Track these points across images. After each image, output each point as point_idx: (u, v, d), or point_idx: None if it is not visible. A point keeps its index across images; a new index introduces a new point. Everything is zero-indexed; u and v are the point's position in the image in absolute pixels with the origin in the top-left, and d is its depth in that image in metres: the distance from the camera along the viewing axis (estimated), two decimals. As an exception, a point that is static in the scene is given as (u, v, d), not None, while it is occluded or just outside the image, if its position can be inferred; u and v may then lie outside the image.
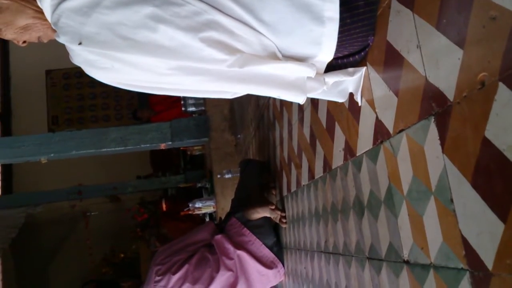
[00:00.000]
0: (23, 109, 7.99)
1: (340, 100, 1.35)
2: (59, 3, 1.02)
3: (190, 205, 4.52)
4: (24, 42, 1.18)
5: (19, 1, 1.10)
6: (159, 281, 2.23)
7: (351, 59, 1.21)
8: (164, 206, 6.43)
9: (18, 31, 1.14)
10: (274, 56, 1.09)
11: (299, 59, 1.11)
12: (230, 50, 1.05)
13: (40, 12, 1.10)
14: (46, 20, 1.10)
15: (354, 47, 1.16)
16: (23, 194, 7.01)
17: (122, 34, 0.99)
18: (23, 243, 7.73)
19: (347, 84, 1.27)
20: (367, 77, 1.22)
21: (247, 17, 1.04)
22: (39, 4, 1.08)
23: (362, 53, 1.20)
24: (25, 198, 6.80)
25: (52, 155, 4.30)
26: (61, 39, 1.06)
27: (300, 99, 1.15)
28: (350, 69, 1.22)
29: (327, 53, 1.11)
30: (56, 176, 7.48)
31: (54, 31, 1.10)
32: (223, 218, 2.75)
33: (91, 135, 4.34)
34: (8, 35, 1.14)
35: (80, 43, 1.02)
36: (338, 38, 1.09)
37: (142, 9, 0.98)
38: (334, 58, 1.15)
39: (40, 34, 1.16)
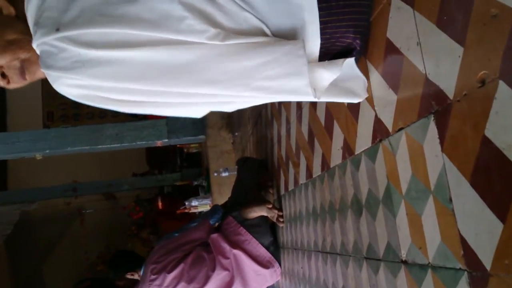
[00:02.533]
0: (18, 105, 7.95)
1: (349, 100, 1.27)
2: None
3: (186, 203, 4.51)
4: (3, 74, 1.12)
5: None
6: (154, 279, 2.22)
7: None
8: (160, 204, 6.43)
9: (3, 44, 1.09)
10: (262, 34, 1.07)
11: (288, 37, 1.09)
12: (212, 22, 1.01)
13: (29, 31, 1.07)
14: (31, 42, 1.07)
15: (343, 39, 1.13)
16: (18, 190, 6.99)
17: (103, 11, 0.98)
18: (17, 240, 7.70)
19: (350, 83, 1.24)
20: (366, 75, 1.21)
21: None
22: (26, 12, 1.06)
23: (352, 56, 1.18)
24: (20, 194, 6.78)
25: (47, 151, 4.28)
26: (37, 36, 1.03)
27: (303, 82, 1.04)
28: (339, 60, 1.16)
29: (312, 30, 1.09)
30: (51, 173, 7.45)
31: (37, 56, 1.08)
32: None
33: (87, 131, 4.32)
34: None
35: (57, 29, 0.99)
36: (323, 19, 1.07)
37: None
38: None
39: (25, 56, 1.11)
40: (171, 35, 1.00)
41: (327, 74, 1.12)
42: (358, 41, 1.14)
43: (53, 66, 1.04)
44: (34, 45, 1.07)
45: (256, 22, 1.06)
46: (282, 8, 1.07)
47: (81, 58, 1.01)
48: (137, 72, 1.02)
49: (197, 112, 1.21)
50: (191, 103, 1.12)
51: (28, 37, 1.08)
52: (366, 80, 1.22)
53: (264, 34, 1.07)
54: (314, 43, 1.11)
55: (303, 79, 1.03)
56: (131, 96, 1.07)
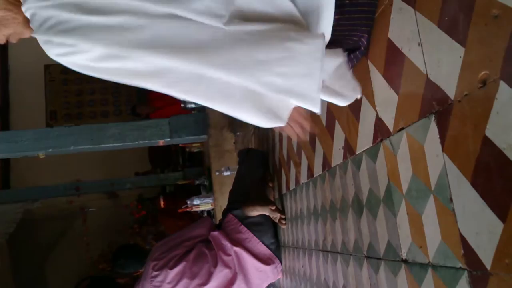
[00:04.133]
0: (21, 103, 7.97)
1: (337, 102, 1.27)
2: None
3: (188, 202, 4.51)
4: None
5: None
6: (156, 276, 2.22)
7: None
8: (162, 203, 6.43)
9: None
10: (291, 16, 1.02)
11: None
12: (231, 4, 0.97)
13: (12, 3, 1.05)
14: (18, 13, 1.05)
15: (351, 38, 1.13)
16: (21, 189, 7.00)
17: None
18: (20, 238, 7.72)
19: (341, 86, 1.23)
20: (367, 75, 1.21)
21: None
22: None
23: (357, 53, 1.19)
24: (22, 193, 6.79)
25: (50, 150, 4.28)
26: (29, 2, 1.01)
27: (315, 87, 1.02)
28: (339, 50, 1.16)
29: (326, 21, 1.07)
30: (54, 172, 7.46)
31: (27, 27, 1.05)
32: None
33: (90, 130, 4.33)
34: None
35: None
36: (336, 19, 1.06)
37: None
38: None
39: (10, 32, 1.09)
40: (187, 14, 0.96)
41: (328, 63, 1.10)
42: (363, 40, 1.14)
43: (51, 30, 1.01)
44: (23, 9, 1.03)
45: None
46: None
47: (81, 23, 0.98)
48: (145, 41, 0.97)
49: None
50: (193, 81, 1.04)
51: (12, 11, 1.05)
52: (358, 84, 1.22)
53: (290, 15, 1.03)
54: (326, 30, 1.09)
55: (315, 84, 1.01)
56: (130, 62, 1.01)
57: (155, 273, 2.22)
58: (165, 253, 2.27)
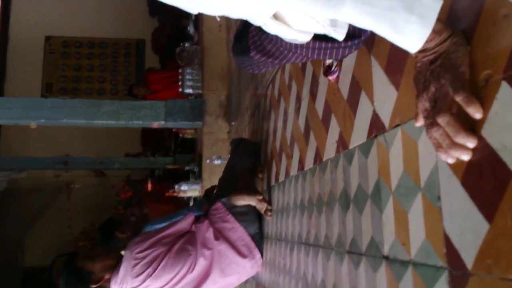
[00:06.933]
0: (18, 72, 7.91)
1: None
2: None
3: (176, 186, 4.51)
4: None
5: None
6: (138, 275, 2.16)
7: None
8: (149, 186, 6.42)
9: None
10: None
11: None
12: None
13: None
14: None
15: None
16: (8, 158, 6.96)
17: None
18: (2, 208, 7.67)
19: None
20: (369, 69, 1.21)
21: None
22: None
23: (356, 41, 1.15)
24: (9, 162, 6.75)
25: (42, 120, 4.26)
26: None
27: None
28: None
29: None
30: (44, 144, 7.43)
31: None
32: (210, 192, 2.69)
33: (84, 105, 4.31)
34: None
35: None
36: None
37: None
38: None
39: None
40: None
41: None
42: (369, 32, 1.13)
43: None
44: None
45: None
46: None
47: None
48: None
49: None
50: None
51: None
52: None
53: None
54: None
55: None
56: None
57: (136, 271, 2.16)
58: (146, 251, 2.20)
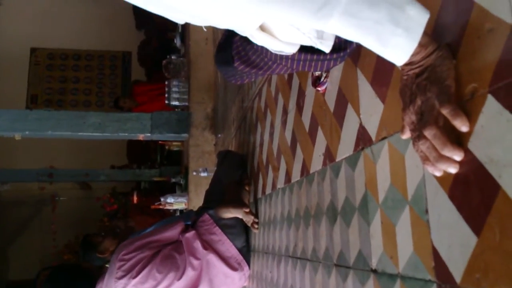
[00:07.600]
0: (2, 83, 7.83)
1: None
2: None
3: (162, 199, 4.47)
4: None
5: None
6: (121, 277, 2.14)
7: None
8: (135, 198, 6.36)
9: None
10: None
11: None
12: None
13: None
14: None
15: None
16: (-8, 170, 6.84)
17: None
18: (-15, 220, 7.54)
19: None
20: (355, 82, 1.21)
21: None
22: None
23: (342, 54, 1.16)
24: (-7, 174, 6.63)
25: (27, 132, 4.21)
26: None
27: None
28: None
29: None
30: (28, 156, 7.34)
31: None
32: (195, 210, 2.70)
33: (69, 117, 4.27)
34: None
35: None
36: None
37: None
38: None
39: None
40: None
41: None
42: (354, 44, 1.13)
43: None
44: None
45: None
46: None
47: None
48: None
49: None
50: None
51: None
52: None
53: None
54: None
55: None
56: None
57: (120, 273, 2.15)
58: (132, 253, 2.20)
